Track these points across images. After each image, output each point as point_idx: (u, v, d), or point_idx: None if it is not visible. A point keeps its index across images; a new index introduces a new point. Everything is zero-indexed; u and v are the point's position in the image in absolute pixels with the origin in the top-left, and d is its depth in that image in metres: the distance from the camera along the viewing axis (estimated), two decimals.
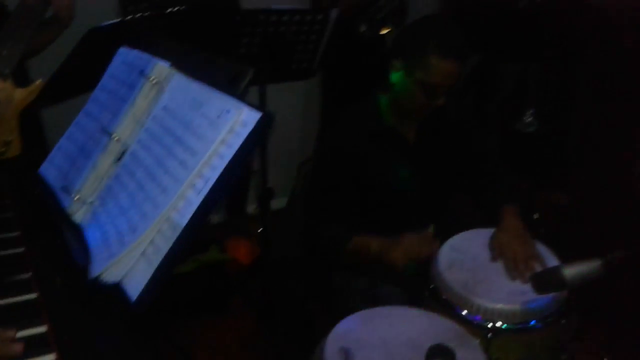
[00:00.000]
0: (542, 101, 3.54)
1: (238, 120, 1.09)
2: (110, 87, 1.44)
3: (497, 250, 1.82)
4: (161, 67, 1.30)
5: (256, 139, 1.07)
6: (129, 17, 1.83)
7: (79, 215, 1.28)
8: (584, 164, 3.48)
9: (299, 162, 2.43)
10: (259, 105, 2.24)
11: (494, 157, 2.25)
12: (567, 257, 1.63)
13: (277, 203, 2.85)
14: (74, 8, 2.02)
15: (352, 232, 1.96)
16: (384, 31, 3.26)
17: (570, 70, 3.43)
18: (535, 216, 3.00)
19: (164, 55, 1.34)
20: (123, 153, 1.28)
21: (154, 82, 1.29)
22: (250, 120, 1.08)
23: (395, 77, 1.94)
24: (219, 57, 1.22)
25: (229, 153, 1.07)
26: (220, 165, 1.07)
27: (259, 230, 2.91)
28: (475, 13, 3.47)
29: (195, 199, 1.07)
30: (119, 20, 1.77)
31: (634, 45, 2.98)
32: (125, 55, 1.46)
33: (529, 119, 3.58)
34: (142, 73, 1.31)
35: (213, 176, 1.07)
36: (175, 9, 2.19)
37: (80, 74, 1.60)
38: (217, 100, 1.13)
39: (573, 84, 3.48)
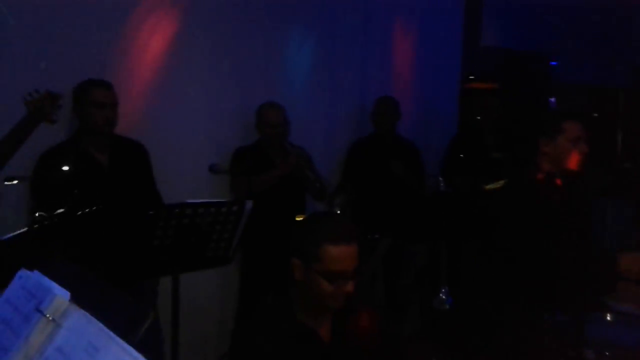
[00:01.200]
0: (454, 279, 3.65)
1: None
2: (4, 315, 1.37)
3: None
4: (59, 301, 1.25)
5: None
6: (37, 222, 1.79)
7: None
8: None
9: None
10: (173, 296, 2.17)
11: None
12: None
13: None
14: None
15: None
16: None
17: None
18: None
19: (65, 282, 1.30)
20: None
21: (50, 318, 1.23)
22: None
23: (298, 274, 1.97)
24: (121, 293, 1.19)
25: None
26: None
27: None
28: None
29: None
30: (23, 230, 1.73)
31: None
32: (24, 280, 1.40)
33: (444, 297, 3.66)
34: (39, 308, 1.26)
35: None
36: (86, 210, 2.19)
37: None
38: (114, 348, 1.09)
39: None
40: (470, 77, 5.53)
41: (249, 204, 2.72)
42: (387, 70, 4.88)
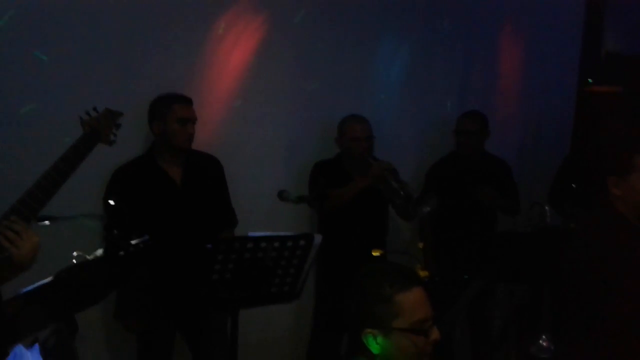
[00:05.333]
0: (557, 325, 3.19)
1: None
2: None
3: None
4: None
5: None
6: (65, 271, 1.61)
7: None
8: None
9: None
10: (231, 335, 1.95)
11: None
12: None
13: None
14: (37, 254, 1.84)
15: None
16: None
17: None
18: None
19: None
20: None
21: None
22: None
23: (376, 347, 1.69)
24: None
25: None
26: None
27: None
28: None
29: None
30: (48, 280, 1.55)
31: None
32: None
33: (544, 344, 3.21)
34: None
35: None
36: (139, 242, 2.01)
37: None
38: None
39: None
40: (589, 81, 4.88)
41: (318, 238, 2.45)
42: (491, 81, 4.40)
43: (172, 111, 2.95)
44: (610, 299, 2.25)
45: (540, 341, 3.27)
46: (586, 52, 4.98)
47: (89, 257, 1.69)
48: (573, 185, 3.57)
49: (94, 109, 2.15)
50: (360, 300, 1.72)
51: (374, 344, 1.69)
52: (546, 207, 3.36)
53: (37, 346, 1.13)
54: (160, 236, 2.56)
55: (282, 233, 2.41)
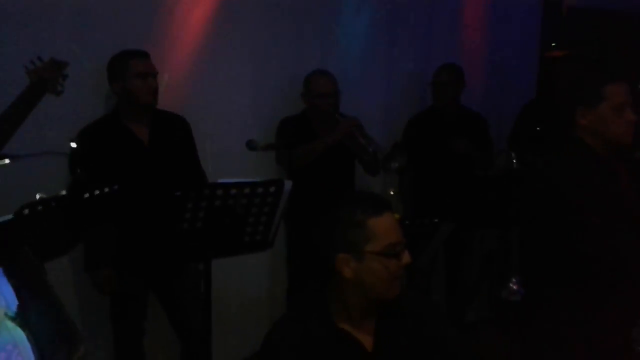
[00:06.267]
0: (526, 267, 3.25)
1: None
2: None
3: None
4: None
5: None
6: (27, 207, 1.56)
7: None
8: None
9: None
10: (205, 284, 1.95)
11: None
12: None
13: None
14: None
15: None
16: None
17: None
18: None
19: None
20: None
21: None
22: None
23: (349, 271, 1.70)
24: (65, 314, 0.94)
25: None
26: None
27: None
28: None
29: None
30: (7, 218, 1.50)
31: None
32: None
33: (514, 287, 3.27)
34: None
35: None
36: (106, 189, 1.97)
37: None
38: None
39: None
40: (552, 45, 4.95)
41: (288, 184, 2.44)
42: (455, 35, 4.41)
43: (129, 67, 2.87)
44: (578, 233, 2.25)
45: (510, 284, 3.33)
46: (547, 7, 5.03)
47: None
48: (537, 129, 3.62)
49: (39, 58, 2.09)
50: (332, 226, 1.73)
51: (347, 268, 1.70)
52: (512, 153, 3.41)
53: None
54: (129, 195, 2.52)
55: (252, 179, 2.39)
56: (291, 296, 3.53)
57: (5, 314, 1.02)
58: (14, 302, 1.05)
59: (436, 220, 2.70)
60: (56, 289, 1.42)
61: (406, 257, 1.72)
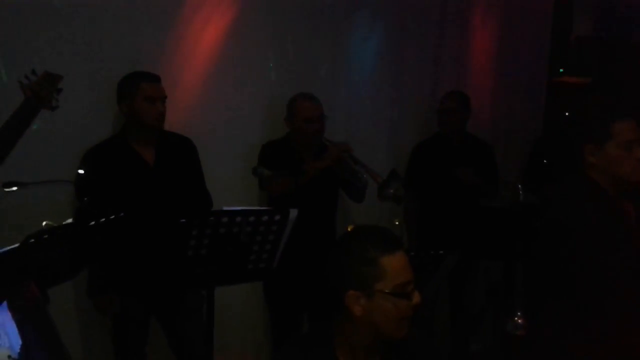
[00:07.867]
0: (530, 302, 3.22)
1: None
2: None
3: None
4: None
5: None
6: (33, 236, 1.56)
7: None
8: None
9: None
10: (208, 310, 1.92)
11: None
12: None
13: None
14: None
15: None
16: None
17: None
18: None
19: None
20: None
21: None
22: None
23: (358, 309, 1.68)
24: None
25: None
26: None
27: None
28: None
29: None
30: (14, 247, 1.49)
31: None
32: None
33: (520, 321, 3.23)
34: None
35: None
36: (113, 217, 1.96)
37: None
38: None
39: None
40: (560, 70, 4.95)
41: (294, 213, 2.44)
42: (463, 60, 4.41)
43: (139, 90, 2.88)
44: (581, 269, 2.23)
45: (516, 318, 3.29)
46: (556, 36, 5.04)
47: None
48: (544, 161, 3.61)
49: (33, 72, 2.07)
50: (343, 261, 1.70)
51: (357, 306, 1.67)
52: (519, 185, 3.39)
53: (5, 304, 1.09)
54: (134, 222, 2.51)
55: (257, 207, 2.38)
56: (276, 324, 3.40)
57: (9, 357, 1.01)
58: (17, 343, 1.04)
59: (441, 252, 2.68)
60: (58, 313, 1.40)
61: (416, 297, 1.69)
